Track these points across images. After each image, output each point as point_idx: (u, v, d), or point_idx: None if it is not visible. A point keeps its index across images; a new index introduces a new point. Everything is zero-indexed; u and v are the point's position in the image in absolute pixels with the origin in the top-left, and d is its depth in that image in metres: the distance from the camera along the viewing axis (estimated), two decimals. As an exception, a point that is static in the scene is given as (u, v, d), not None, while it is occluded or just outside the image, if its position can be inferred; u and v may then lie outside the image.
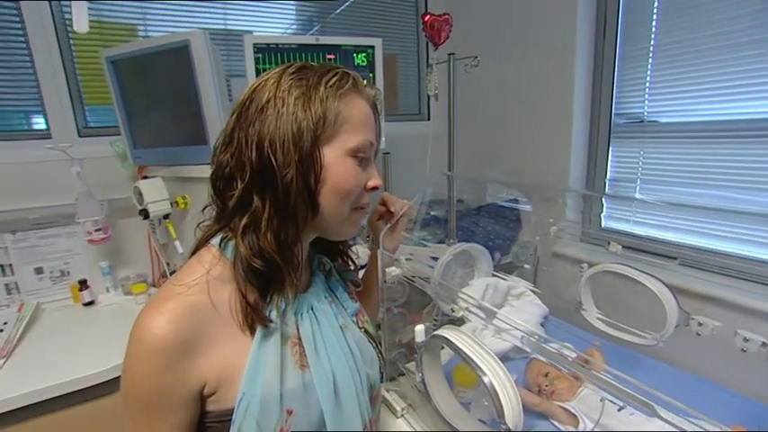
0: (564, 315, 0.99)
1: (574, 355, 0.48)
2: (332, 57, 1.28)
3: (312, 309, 0.57)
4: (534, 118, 1.55)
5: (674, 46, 1.19)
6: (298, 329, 0.53)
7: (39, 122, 1.31)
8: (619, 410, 0.61)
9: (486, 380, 0.52)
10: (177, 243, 1.18)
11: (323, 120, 0.49)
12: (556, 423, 0.68)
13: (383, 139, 1.40)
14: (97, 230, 1.18)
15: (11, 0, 1.19)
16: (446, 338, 0.60)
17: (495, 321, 0.60)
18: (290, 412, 0.48)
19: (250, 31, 1.59)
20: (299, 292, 0.56)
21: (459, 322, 0.83)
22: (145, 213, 1.14)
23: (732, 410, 0.71)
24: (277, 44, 1.21)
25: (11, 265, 1.23)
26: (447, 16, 1.10)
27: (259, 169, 0.48)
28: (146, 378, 0.44)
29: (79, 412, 0.92)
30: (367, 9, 1.80)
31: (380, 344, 0.73)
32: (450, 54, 1.14)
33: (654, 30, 1.24)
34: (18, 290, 1.25)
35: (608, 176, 1.41)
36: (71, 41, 1.30)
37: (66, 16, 1.28)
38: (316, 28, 1.74)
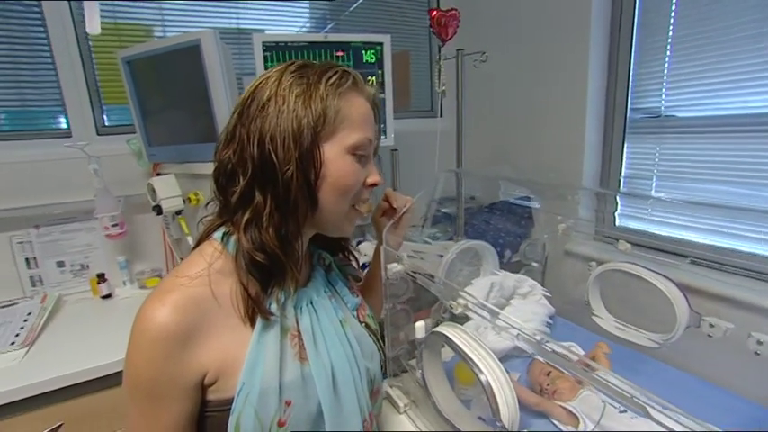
0: (572, 314, 0.97)
1: (580, 353, 0.47)
2: (341, 54, 1.29)
3: (312, 303, 0.57)
4: (546, 113, 1.52)
5: (695, 37, 1.15)
6: (297, 323, 0.54)
7: (60, 122, 1.36)
8: (621, 413, 0.60)
9: (482, 378, 0.52)
10: (190, 239, 1.22)
11: (323, 117, 0.50)
12: (556, 423, 0.67)
13: (392, 135, 1.42)
14: (114, 226, 1.22)
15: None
16: (445, 335, 0.60)
17: (497, 320, 0.59)
18: (288, 403, 0.49)
19: (263, 30, 1.61)
20: (299, 286, 0.57)
21: (463, 320, 0.83)
22: (158, 209, 1.17)
23: (740, 417, 0.69)
24: (286, 42, 1.22)
25: (35, 258, 1.29)
26: (454, 12, 1.09)
27: (260, 165, 0.49)
28: (148, 367, 0.45)
29: (96, 399, 0.96)
30: (380, 6, 1.80)
31: (383, 338, 0.74)
32: (458, 50, 1.13)
33: (672, 20, 1.20)
34: (42, 282, 1.31)
35: (623, 173, 1.37)
36: (90, 43, 1.35)
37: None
38: (330, 26, 1.75)
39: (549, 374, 0.73)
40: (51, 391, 0.91)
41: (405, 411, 0.80)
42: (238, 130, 0.51)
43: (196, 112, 1.15)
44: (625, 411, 0.60)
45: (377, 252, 0.78)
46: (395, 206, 0.74)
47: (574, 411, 0.65)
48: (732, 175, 1.11)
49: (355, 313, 0.64)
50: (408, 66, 1.94)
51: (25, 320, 1.11)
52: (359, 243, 1.59)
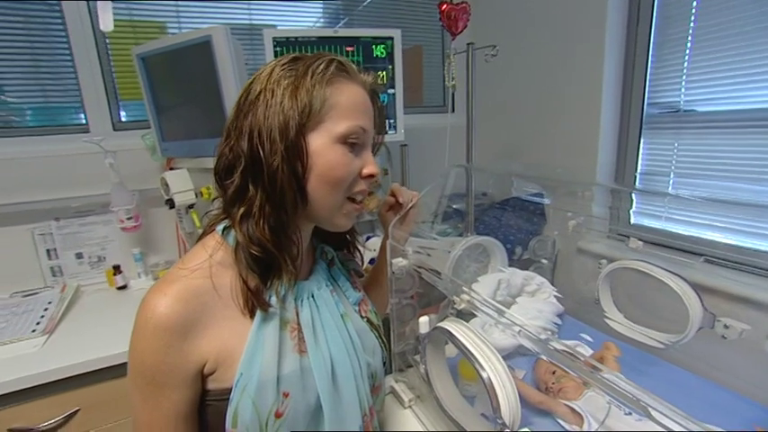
0: (581, 313, 0.96)
1: (586, 353, 0.46)
2: (350, 49, 1.29)
3: (313, 296, 0.58)
4: (560, 108, 1.49)
5: (717, 27, 1.10)
6: (297, 315, 0.54)
7: (80, 118, 1.40)
8: (626, 414, 0.59)
9: (483, 374, 0.52)
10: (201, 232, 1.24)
11: (308, 107, 0.49)
12: (561, 422, 0.66)
13: (402, 130, 1.41)
14: (129, 219, 1.26)
15: None
16: (448, 331, 0.60)
17: (501, 317, 0.59)
18: (286, 395, 0.49)
19: (275, 26, 1.62)
20: (299, 279, 0.57)
21: (469, 317, 0.82)
22: (171, 203, 1.19)
23: (753, 423, 0.66)
24: (296, 38, 1.23)
25: (55, 249, 1.34)
26: (464, 5, 1.07)
27: (250, 159, 0.49)
28: (149, 354, 0.46)
29: (112, 387, 0.99)
30: (393, 1, 1.79)
31: (387, 334, 0.74)
32: (468, 44, 1.12)
33: (694, 9, 1.15)
34: (61, 273, 1.35)
35: (639, 170, 1.33)
36: (107, 41, 1.38)
37: (103, 16, 1.35)
38: (343, 21, 1.75)
39: (554, 373, 0.72)
40: (69, 378, 0.94)
41: (409, 406, 0.80)
42: (234, 124, 0.51)
43: (208, 107, 1.17)
44: (630, 414, 0.58)
45: (383, 247, 0.78)
46: (401, 201, 0.74)
47: (578, 410, 0.64)
48: (754, 171, 1.06)
49: (357, 308, 0.64)
50: (421, 61, 1.93)
51: (46, 309, 1.16)
52: (368, 238, 1.60)
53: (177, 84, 1.22)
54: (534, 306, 0.83)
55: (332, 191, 0.53)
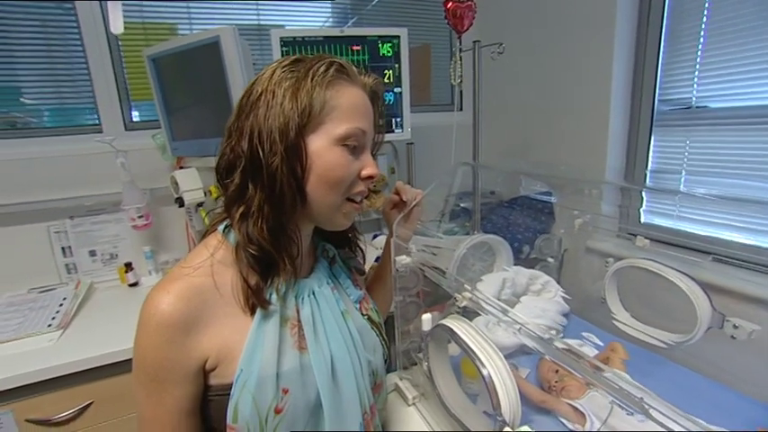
0: (588, 312, 0.95)
1: (593, 351, 0.45)
2: (357, 48, 1.29)
3: (313, 293, 0.58)
4: (569, 105, 1.47)
5: (731, 22, 1.08)
6: (298, 313, 0.55)
7: (93, 118, 1.43)
8: (628, 415, 0.58)
9: (484, 372, 0.52)
10: (210, 230, 1.26)
11: (308, 109, 0.50)
12: (563, 420, 0.66)
13: (409, 129, 1.41)
14: (140, 217, 1.28)
15: (66, 0, 1.30)
16: (450, 328, 0.60)
17: (501, 315, 0.59)
18: (285, 391, 0.50)
19: (284, 26, 1.63)
20: (301, 277, 0.58)
21: (473, 315, 0.82)
22: (180, 201, 1.22)
23: (762, 425, 0.65)
24: (303, 38, 1.24)
25: (70, 247, 1.37)
26: (470, 3, 1.06)
27: (250, 160, 0.50)
28: (152, 350, 0.48)
29: (124, 380, 1.01)
30: (401, 0, 1.79)
31: (392, 331, 0.74)
32: (474, 41, 1.11)
33: (707, 4, 1.13)
34: (76, 270, 1.39)
35: (649, 168, 1.31)
36: (119, 43, 1.41)
37: (115, 19, 1.38)
38: (352, 21, 1.76)
39: (557, 372, 0.71)
40: (82, 372, 0.96)
41: (413, 403, 0.80)
42: (235, 124, 0.52)
43: (216, 107, 1.19)
44: (632, 414, 0.58)
45: (387, 244, 0.78)
46: (404, 199, 0.74)
47: (581, 409, 0.63)
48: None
49: (358, 306, 0.64)
50: (429, 59, 1.93)
51: (60, 305, 1.19)
52: (374, 237, 1.60)
53: (186, 84, 1.24)
54: (538, 305, 0.83)
55: (330, 191, 0.53)
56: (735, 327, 0.65)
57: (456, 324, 0.59)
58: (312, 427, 0.53)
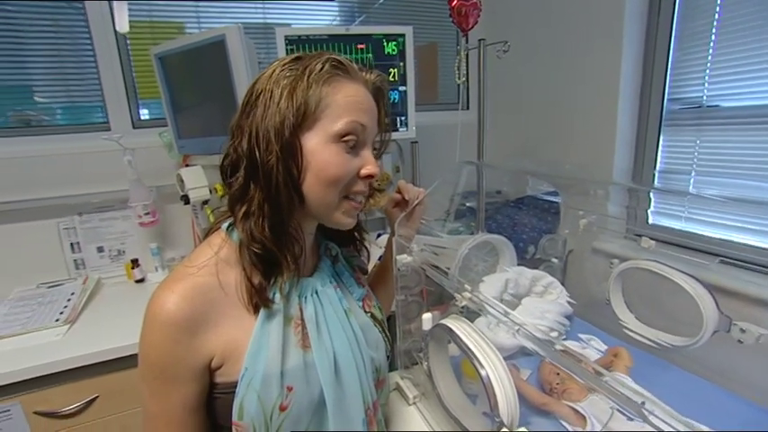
0: (591, 314, 0.93)
1: (595, 355, 0.44)
2: (362, 46, 1.29)
3: (316, 292, 0.58)
4: (576, 104, 1.45)
5: (743, 19, 1.06)
6: (301, 311, 0.55)
7: (103, 116, 1.45)
8: (629, 420, 0.57)
9: (482, 372, 0.51)
10: (215, 227, 1.27)
11: (303, 107, 0.49)
12: (564, 423, 0.65)
13: (414, 127, 1.41)
14: (146, 214, 1.30)
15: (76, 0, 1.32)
16: (449, 328, 0.59)
17: (500, 315, 0.58)
18: (290, 389, 0.50)
19: (290, 25, 1.64)
20: (304, 275, 0.58)
21: (475, 315, 0.81)
22: (186, 199, 1.23)
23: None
24: (308, 36, 1.24)
25: (78, 243, 1.39)
26: (475, 1, 1.05)
27: (249, 159, 0.50)
28: (157, 350, 0.48)
29: (129, 375, 1.02)
30: (408, -1, 1.79)
31: (391, 330, 0.74)
32: (480, 40, 1.10)
33: (719, 0, 1.10)
34: (84, 265, 1.41)
35: (657, 168, 1.29)
36: (128, 42, 1.42)
37: (124, 18, 1.40)
38: (359, 19, 1.76)
39: (558, 374, 0.71)
40: (89, 366, 0.98)
41: (414, 403, 0.80)
42: (237, 124, 0.52)
43: (222, 105, 1.20)
44: (633, 420, 0.57)
45: (389, 243, 0.78)
46: (407, 198, 0.74)
47: (582, 412, 0.62)
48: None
49: (361, 303, 0.65)
50: (436, 58, 1.92)
51: (69, 300, 1.21)
52: (378, 236, 1.60)
53: (193, 82, 1.25)
54: (539, 306, 0.82)
55: (327, 190, 0.52)
56: (742, 331, 0.64)
57: (455, 324, 0.59)
58: (316, 423, 0.53)
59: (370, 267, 0.79)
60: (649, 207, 1.26)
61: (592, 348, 0.84)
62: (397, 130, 1.40)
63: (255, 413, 0.48)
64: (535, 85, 1.62)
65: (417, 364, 0.85)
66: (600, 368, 0.43)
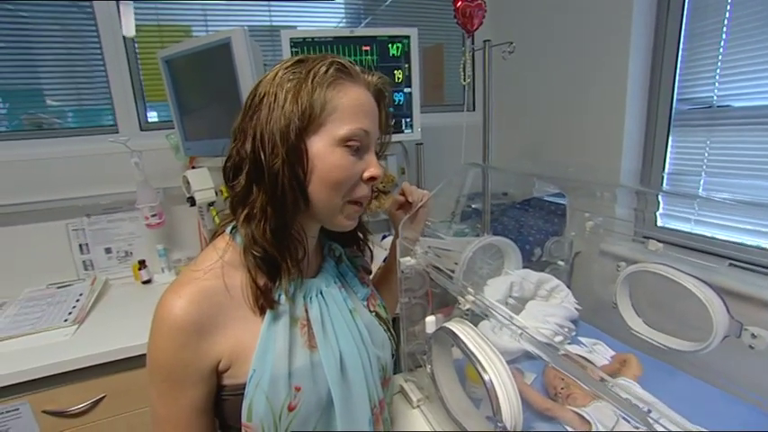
0: (598, 318, 0.92)
1: (603, 361, 0.43)
2: (367, 48, 1.29)
3: (321, 293, 0.58)
4: (582, 105, 1.44)
5: (755, 17, 1.04)
6: (307, 312, 0.55)
7: (110, 119, 1.47)
8: (636, 428, 0.56)
9: (485, 377, 0.51)
10: (221, 229, 1.28)
11: (309, 111, 0.49)
12: (568, 428, 0.64)
13: (419, 129, 1.40)
14: (153, 216, 1.31)
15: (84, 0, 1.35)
16: (452, 332, 0.59)
17: (502, 319, 0.57)
18: (298, 389, 0.50)
19: (296, 27, 1.65)
20: (308, 276, 0.58)
21: (479, 319, 0.81)
22: (192, 201, 1.24)
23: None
24: (313, 38, 1.24)
25: (87, 244, 1.41)
26: (480, 2, 1.05)
27: (253, 162, 0.50)
28: (166, 353, 0.48)
29: (136, 375, 1.03)
30: (414, 0, 1.79)
31: (401, 332, 0.73)
32: (485, 41, 1.10)
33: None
34: (92, 266, 1.43)
35: (666, 170, 1.27)
36: (136, 45, 1.44)
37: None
38: (365, 21, 1.76)
39: (563, 378, 0.70)
40: (96, 366, 0.99)
41: (418, 406, 0.80)
42: (240, 127, 0.52)
43: (228, 108, 1.20)
44: (639, 428, 0.56)
45: (393, 246, 0.78)
46: (410, 200, 0.73)
47: (587, 417, 0.61)
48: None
49: (365, 303, 0.65)
50: (442, 59, 1.91)
51: (77, 300, 1.22)
52: (383, 238, 1.60)
53: (199, 85, 1.26)
54: (543, 310, 0.81)
55: (332, 193, 0.53)
56: (753, 336, 0.62)
57: (459, 327, 0.59)
58: (324, 422, 0.53)
59: (374, 269, 0.79)
60: (658, 209, 1.24)
61: (597, 353, 0.83)
62: (402, 131, 1.40)
63: (264, 414, 0.48)
64: (541, 85, 1.60)
65: (421, 366, 0.84)
66: (603, 374, 0.42)
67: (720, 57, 1.12)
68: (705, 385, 0.74)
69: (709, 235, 1.11)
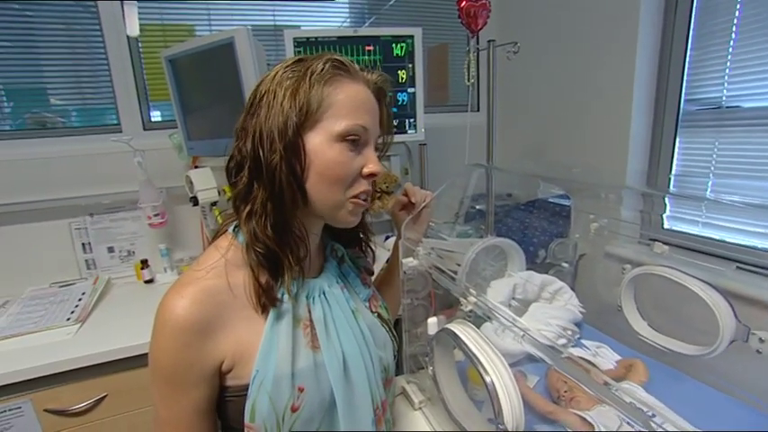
0: (602, 321, 0.91)
1: (608, 365, 0.43)
2: (370, 48, 1.29)
3: (324, 293, 0.58)
4: (588, 105, 1.42)
5: (766, 16, 1.02)
6: (309, 312, 0.55)
7: (114, 118, 1.48)
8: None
9: (487, 379, 0.50)
10: (224, 229, 1.28)
11: (306, 107, 0.50)
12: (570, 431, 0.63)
13: (423, 129, 1.40)
14: (156, 215, 1.31)
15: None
16: (454, 333, 0.58)
17: (504, 321, 0.57)
18: (301, 389, 0.50)
19: (300, 27, 1.65)
20: (310, 276, 0.58)
21: (483, 320, 0.80)
22: (194, 200, 1.24)
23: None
24: (316, 38, 1.24)
25: (89, 243, 1.41)
26: (484, 2, 1.04)
27: (253, 160, 0.50)
28: (168, 354, 0.48)
29: (138, 375, 1.03)
30: (418, 0, 1.78)
31: (400, 331, 0.73)
32: (489, 41, 1.09)
33: (740, -2, 1.07)
34: (95, 265, 1.43)
35: (673, 171, 1.26)
36: (139, 44, 1.45)
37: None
38: (369, 21, 1.76)
39: (566, 381, 0.69)
40: (98, 365, 0.99)
41: (420, 408, 0.79)
42: (242, 126, 0.53)
43: (231, 107, 1.20)
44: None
45: (395, 247, 0.77)
46: (413, 201, 0.73)
47: (590, 420, 0.60)
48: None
49: (367, 304, 0.65)
50: (447, 59, 1.91)
51: (80, 299, 1.23)
52: (386, 238, 1.59)
53: (202, 84, 1.26)
54: (546, 312, 0.80)
55: (331, 189, 0.53)
56: (761, 341, 0.61)
57: (461, 329, 0.58)
58: (327, 423, 0.53)
59: (376, 270, 0.79)
60: (665, 211, 1.22)
61: (601, 357, 0.82)
62: (405, 132, 1.39)
63: (267, 414, 0.48)
64: (546, 85, 1.59)
65: (423, 368, 0.84)
66: (606, 378, 0.41)
67: (729, 56, 1.11)
68: (711, 390, 0.73)
69: (717, 238, 1.09)
